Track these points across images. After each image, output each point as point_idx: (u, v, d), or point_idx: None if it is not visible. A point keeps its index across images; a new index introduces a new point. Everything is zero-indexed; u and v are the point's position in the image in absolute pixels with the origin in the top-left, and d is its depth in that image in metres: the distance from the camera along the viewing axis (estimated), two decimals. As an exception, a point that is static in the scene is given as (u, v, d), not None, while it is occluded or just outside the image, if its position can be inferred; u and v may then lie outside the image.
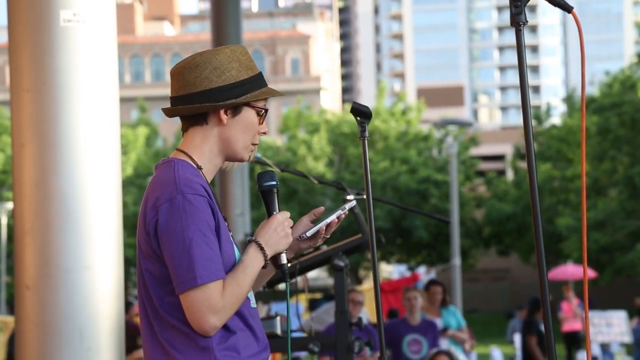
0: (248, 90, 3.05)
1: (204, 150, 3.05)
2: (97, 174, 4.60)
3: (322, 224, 3.09)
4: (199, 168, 3.02)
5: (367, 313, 13.17)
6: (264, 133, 3.12)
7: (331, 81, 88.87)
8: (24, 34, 4.63)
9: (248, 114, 3.06)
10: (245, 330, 2.97)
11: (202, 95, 3.01)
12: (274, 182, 3.09)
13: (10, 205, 31.27)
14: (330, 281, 42.42)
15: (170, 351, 2.92)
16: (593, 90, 39.46)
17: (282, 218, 3.04)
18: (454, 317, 11.36)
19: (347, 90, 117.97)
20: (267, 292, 6.33)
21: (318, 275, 48.58)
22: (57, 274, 4.49)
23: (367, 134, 3.45)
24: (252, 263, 2.96)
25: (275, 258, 3.06)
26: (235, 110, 3.04)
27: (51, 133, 4.54)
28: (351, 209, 5.10)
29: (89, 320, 4.49)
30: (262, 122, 3.10)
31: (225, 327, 2.92)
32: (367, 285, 33.19)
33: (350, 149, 41.69)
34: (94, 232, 4.55)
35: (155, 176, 3.01)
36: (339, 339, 4.99)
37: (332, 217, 3.10)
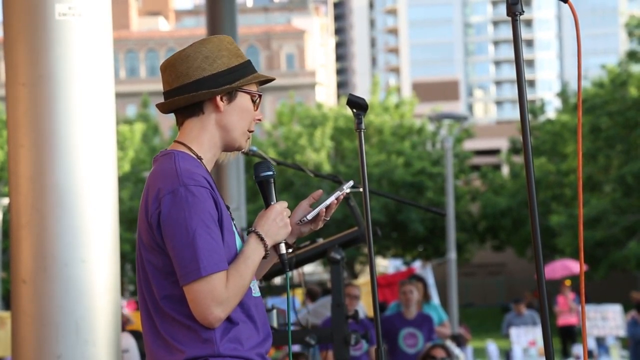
0: (240, 76, 3.07)
1: (203, 140, 3.06)
2: (93, 167, 4.59)
3: (321, 206, 3.11)
4: (199, 159, 3.04)
5: (364, 307, 13.18)
6: (259, 120, 3.15)
7: (326, 76, 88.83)
8: (20, 28, 4.62)
9: (243, 99, 3.09)
10: (247, 322, 2.98)
11: (196, 84, 3.03)
12: (271, 172, 3.11)
13: (6, 200, 31.23)
14: (326, 276, 42.43)
15: (172, 343, 2.92)
16: (586, 84, 39.55)
17: (280, 208, 3.06)
18: (435, 312, 11.39)
19: (343, 85, 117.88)
20: (263, 286, 6.33)
21: (314, 270, 48.62)
22: (54, 268, 4.49)
23: (363, 126, 3.44)
24: (253, 254, 2.98)
25: (275, 247, 3.08)
26: (230, 96, 3.07)
27: (47, 126, 4.54)
28: (347, 202, 5.12)
29: (86, 313, 4.50)
30: (257, 108, 3.13)
31: (228, 319, 2.93)
32: (363, 279, 33.22)
33: (346, 143, 41.75)
34: (90, 225, 4.55)
35: (155, 168, 3.02)
36: (336, 331, 4.99)
37: (331, 199, 3.11)
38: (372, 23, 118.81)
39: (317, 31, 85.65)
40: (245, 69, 3.09)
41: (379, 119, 42.19)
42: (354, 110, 3.45)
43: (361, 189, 3.51)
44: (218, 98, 3.05)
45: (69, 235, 4.51)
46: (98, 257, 4.56)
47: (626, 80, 35.22)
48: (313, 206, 3.15)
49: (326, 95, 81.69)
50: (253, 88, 3.12)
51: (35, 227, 4.52)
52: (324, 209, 3.12)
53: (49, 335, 4.47)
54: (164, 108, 3.11)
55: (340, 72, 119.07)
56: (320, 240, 5.09)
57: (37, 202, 4.52)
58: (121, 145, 40.69)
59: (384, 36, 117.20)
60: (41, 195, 4.52)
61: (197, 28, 76.31)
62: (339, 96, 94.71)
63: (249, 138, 3.14)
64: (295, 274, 5.33)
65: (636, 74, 35.78)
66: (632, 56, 36.38)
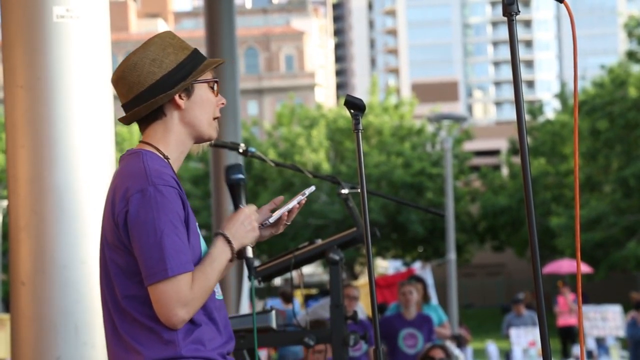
0: (192, 69, 3.05)
1: (169, 141, 3.04)
2: (91, 169, 4.60)
3: (283, 210, 3.12)
4: (166, 158, 3.03)
5: (363, 308, 13.19)
6: (223, 104, 3.13)
7: (325, 77, 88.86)
8: (17, 30, 4.63)
9: (201, 90, 3.07)
10: (209, 324, 2.97)
11: (151, 89, 3.01)
12: (242, 176, 3.15)
13: (5, 203, 31.23)
14: (325, 277, 42.38)
15: (131, 344, 2.90)
16: (585, 84, 39.57)
17: (248, 211, 3.05)
18: (435, 312, 11.42)
19: (342, 86, 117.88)
20: (263, 287, 6.35)
21: (314, 272, 48.61)
22: (53, 269, 4.50)
23: (361, 126, 3.45)
24: (220, 256, 2.96)
25: (241, 251, 3.07)
26: (188, 91, 3.05)
27: (45, 129, 4.55)
28: (346, 203, 5.13)
29: (85, 315, 4.50)
30: (217, 94, 3.11)
31: (191, 321, 2.92)
32: (363, 280, 33.23)
33: (346, 144, 41.79)
34: (88, 227, 4.55)
35: (122, 167, 3.00)
36: (335, 332, 4.99)
37: (293, 203, 3.13)
38: (371, 24, 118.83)
39: (316, 32, 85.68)
40: (194, 60, 3.07)
41: (379, 119, 42.22)
42: (352, 111, 3.46)
43: (359, 190, 3.52)
44: (177, 97, 3.03)
45: (68, 237, 4.52)
46: (97, 259, 4.56)
47: (626, 80, 35.24)
48: (274, 211, 3.15)
49: (325, 96, 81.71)
50: (208, 76, 3.09)
51: (34, 229, 4.53)
52: (286, 213, 3.13)
53: (48, 337, 4.47)
54: (127, 121, 3.07)
55: (339, 73, 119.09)
56: (319, 241, 5.10)
57: (35, 205, 4.53)
58: (119, 147, 40.74)
59: (383, 37, 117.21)
60: (40, 198, 4.53)
61: (196, 30, 76.25)
62: (338, 97, 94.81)
63: (216, 126, 3.11)
64: (294, 274, 5.34)
65: (636, 73, 35.80)
66: (631, 56, 36.40)
